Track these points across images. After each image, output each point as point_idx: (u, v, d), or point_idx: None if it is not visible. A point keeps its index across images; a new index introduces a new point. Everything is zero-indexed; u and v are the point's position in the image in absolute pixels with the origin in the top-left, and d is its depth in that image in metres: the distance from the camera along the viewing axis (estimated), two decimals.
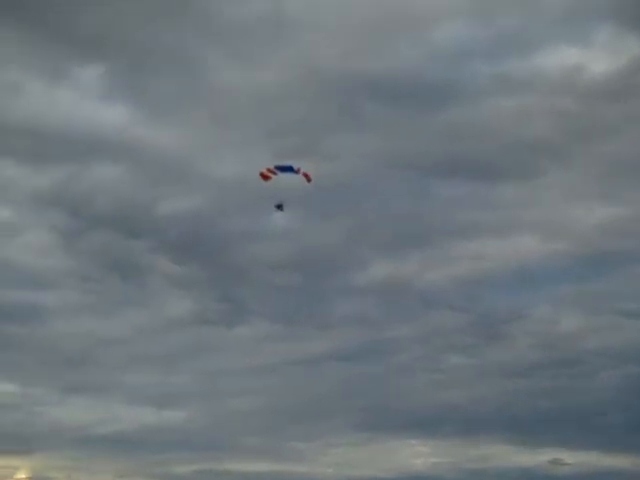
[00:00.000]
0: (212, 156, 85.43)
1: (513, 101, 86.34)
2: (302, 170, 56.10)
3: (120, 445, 77.54)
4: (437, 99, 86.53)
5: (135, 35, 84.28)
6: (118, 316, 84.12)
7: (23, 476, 74.52)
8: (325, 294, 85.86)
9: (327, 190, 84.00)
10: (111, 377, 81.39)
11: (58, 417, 79.69)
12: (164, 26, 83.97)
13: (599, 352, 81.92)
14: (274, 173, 55.97)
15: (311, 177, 56.01)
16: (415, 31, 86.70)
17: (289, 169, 56.28)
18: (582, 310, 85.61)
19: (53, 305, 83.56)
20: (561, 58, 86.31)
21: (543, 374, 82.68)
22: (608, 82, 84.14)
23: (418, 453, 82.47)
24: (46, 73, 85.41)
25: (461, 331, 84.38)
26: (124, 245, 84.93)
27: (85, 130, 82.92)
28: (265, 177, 56.39)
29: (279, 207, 57.81)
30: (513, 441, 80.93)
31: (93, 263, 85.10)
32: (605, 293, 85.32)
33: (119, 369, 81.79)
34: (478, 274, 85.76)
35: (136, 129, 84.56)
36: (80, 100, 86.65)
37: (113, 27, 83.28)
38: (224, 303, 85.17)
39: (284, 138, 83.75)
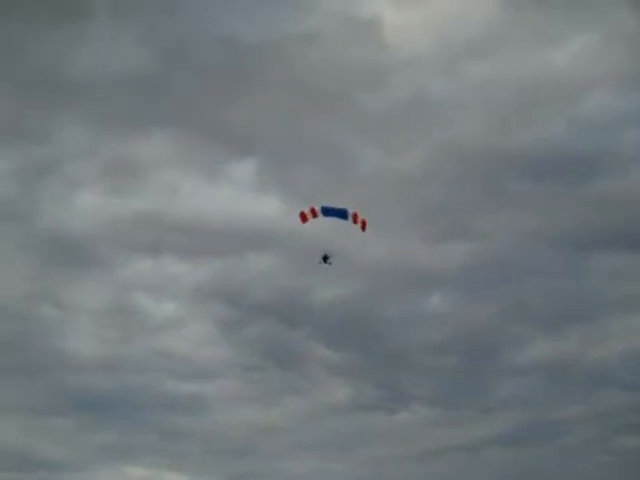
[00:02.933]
0: (363, 241, 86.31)
1: None
2: (359, 216, 48.61)
3: None
4: (587, 170, 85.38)
5: (283, 129, 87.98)
6: (279, 404, 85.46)
7: None
8: (486, 376, 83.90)
9: (480, 270, 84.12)
10: (274, 465, 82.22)
11: None
12: (310, 119, 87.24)
13: None
14: (315, 215, 48.99)
15: (367, 225, 48.92)
16: (559, 103, 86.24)
17: (339, 213, 49.05)
18: None
19: (216, 395, 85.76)
20: None
21: None
22: None
23: None
24: (203, 172, 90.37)
25: (634, 410, 79.98)
26: (282, 333, 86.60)
27: (241, 223, 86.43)
28: (304, 218, 49.28)
29: (325, 259, 51.42)
30: None
31: (253, 352, 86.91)
32: None
33: (282, 457, 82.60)
34: None
35: (289, 219, 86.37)
36: (235, 195, 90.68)
37: (263, 123, 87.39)
38: (383, 389, 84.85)
39: (432, 220, 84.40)
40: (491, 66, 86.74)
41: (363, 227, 49.23)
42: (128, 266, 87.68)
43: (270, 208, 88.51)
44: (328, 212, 48.98)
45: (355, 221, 49.45)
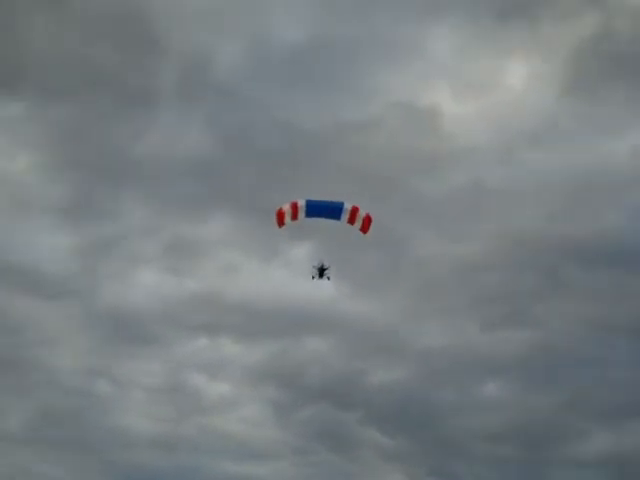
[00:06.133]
0: (418, 327, 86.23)
1: None
2: (360, 211, 34.83)
3: None
4: None
5: None
6: None
7: None
8: (543, 467, 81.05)
9: (538, 358, 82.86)
10: None
11: None
12: (367, 205, 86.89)
13: None
14: (295, 217, 35.75)
15: (370, 224, 34.78)
16: (619, 192, 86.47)
17: (329, 210, 35.94)
18: None
19: (268, 477, 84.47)
20: None
21: None
22: None
23: None
24: (260, 254, 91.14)
25: None
26: (335, 417, 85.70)
27: (295, 305, 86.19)
28: (281, 220, 36.32)
29: (321, 273, 40.46)
30: None
31: (305, 435, 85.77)
32: None
33: None
34: None
35: (344, 302, 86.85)
36: (290, 277, 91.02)
37: None
38: (437, 476, 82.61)
39: (490, 306, 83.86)
40: (549, 155, 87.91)
41: (364, 228, 36.18)
42: (184, 345, 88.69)
43: (325, 291, 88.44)
44: (314, 210, 36.99)
45: (352, 221, 36.98)
